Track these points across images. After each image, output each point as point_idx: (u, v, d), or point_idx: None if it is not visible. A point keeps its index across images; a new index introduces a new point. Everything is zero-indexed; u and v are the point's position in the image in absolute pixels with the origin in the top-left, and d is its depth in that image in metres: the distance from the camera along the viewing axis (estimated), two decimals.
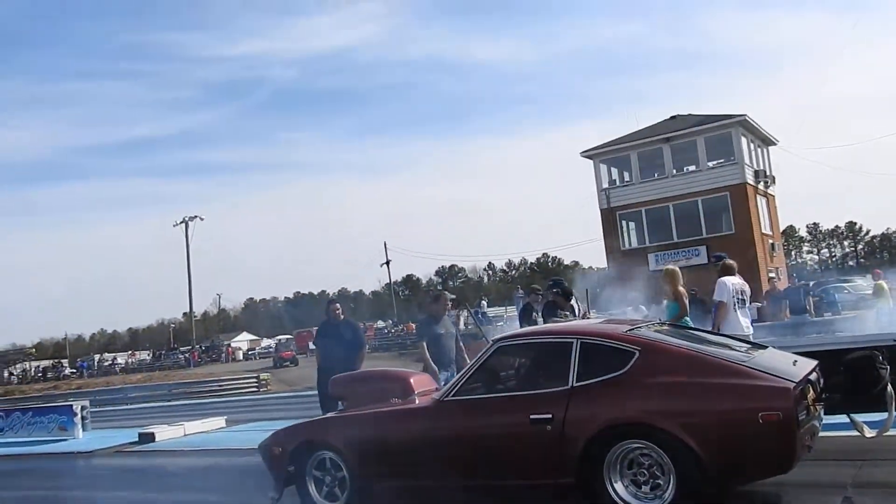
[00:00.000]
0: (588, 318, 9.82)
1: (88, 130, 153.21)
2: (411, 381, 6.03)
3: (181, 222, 56.81)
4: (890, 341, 7.06)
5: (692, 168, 33.41)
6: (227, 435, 11.79)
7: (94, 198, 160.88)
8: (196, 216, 56.87)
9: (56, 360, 72.94)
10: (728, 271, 8.16)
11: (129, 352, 77.32)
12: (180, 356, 58.00)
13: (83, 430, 13.76)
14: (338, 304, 9.75)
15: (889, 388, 4.53)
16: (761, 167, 34.00)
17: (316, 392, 9.66)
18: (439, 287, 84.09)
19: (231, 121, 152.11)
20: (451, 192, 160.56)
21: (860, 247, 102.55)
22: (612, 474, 4.43)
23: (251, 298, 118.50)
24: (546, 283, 10.17)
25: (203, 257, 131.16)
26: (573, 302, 10.20)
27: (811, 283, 23.05)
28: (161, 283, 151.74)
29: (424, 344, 8.02)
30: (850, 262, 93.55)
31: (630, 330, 4.97)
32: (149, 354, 70.20)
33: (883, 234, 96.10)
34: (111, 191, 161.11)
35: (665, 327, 5.60)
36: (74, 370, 59.40)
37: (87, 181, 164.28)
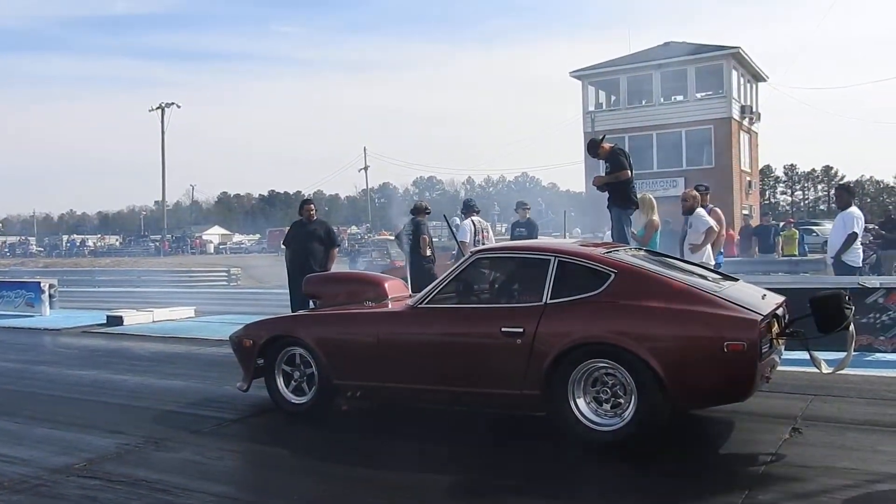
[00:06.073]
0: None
1: (72, 2, 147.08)
2: (386, 285, 6.07)
3: (157, 108, 55.48)
4: (855, 285, 7.28)
5: (679, 98, 33.14)
6: (196, 324, 11.84)
7: (72, 73, 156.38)
8: (173, 103, 55.51)
9: (23, 238, 72.15)
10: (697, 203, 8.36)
11: (99, 235, 76.67)
12: (150, 244, 57.60)
13: (50, 307, 13.76)
14: (312, 204, 9.71)
15: (851, 327, 4.65)
16: (748, 103, 33.85)
17: (286, 290, 9.72)
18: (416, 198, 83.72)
19: (221, 6, 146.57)
20: (435, 100, 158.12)
21: (833, 192, 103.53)
22: (575, 390, 4.52)
23: (225, 192, 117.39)
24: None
25: (178, 146, 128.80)
26: (476, 219, 10.22)
27: (780, 224, 23.40)
28: (134, 169, 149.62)
29: None
30: (822, 206, 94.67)
31: (608, 252, 5.01)
32: (118, 240, 69.66)
33: (857, 180, 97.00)
34: (89, 68, 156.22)
35: (642, 252, 5.65)
36: (42, 249, 58.88)
37: (66, 54, 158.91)
